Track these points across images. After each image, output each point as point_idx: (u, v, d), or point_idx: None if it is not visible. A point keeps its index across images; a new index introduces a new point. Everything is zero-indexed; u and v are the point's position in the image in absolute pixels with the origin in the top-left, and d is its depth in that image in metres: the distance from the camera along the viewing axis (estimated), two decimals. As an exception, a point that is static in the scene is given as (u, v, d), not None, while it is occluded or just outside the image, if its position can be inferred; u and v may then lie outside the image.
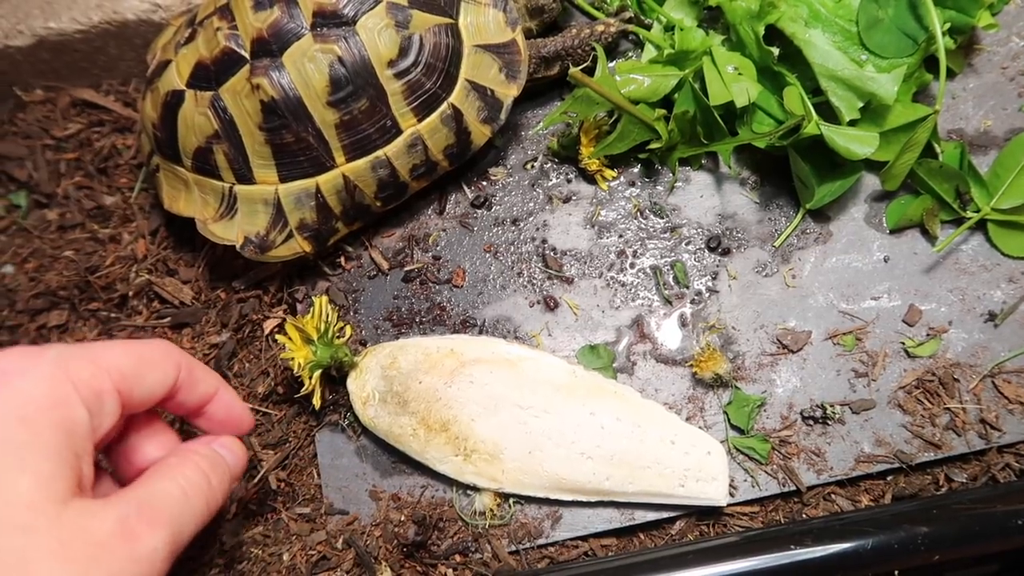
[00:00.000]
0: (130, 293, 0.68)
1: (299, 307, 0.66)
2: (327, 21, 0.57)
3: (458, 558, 0.59)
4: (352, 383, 0.61)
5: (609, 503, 0.59)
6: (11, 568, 0.36)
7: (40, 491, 0.38)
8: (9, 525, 0.37)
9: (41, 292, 0.69)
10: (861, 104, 0.61)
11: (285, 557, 0.60)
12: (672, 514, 0.59)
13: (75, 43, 0.72)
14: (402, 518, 0.60)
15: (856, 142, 0.60)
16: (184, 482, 0.45)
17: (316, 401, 0.59)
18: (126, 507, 0.41)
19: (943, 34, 0.60)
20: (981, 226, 0.64)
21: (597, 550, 0.59)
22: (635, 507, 0.59)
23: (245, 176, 0.60)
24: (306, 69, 0.56)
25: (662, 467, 0.58)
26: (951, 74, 0.68)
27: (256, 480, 0.61)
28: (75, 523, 0.38)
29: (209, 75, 0.58)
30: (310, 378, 0.58)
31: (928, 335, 0.62)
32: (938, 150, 0.64)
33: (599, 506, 0.59)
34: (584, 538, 0.60)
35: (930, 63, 0.64)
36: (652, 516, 0.59)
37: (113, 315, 0.68)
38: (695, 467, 0.58)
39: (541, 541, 0.59)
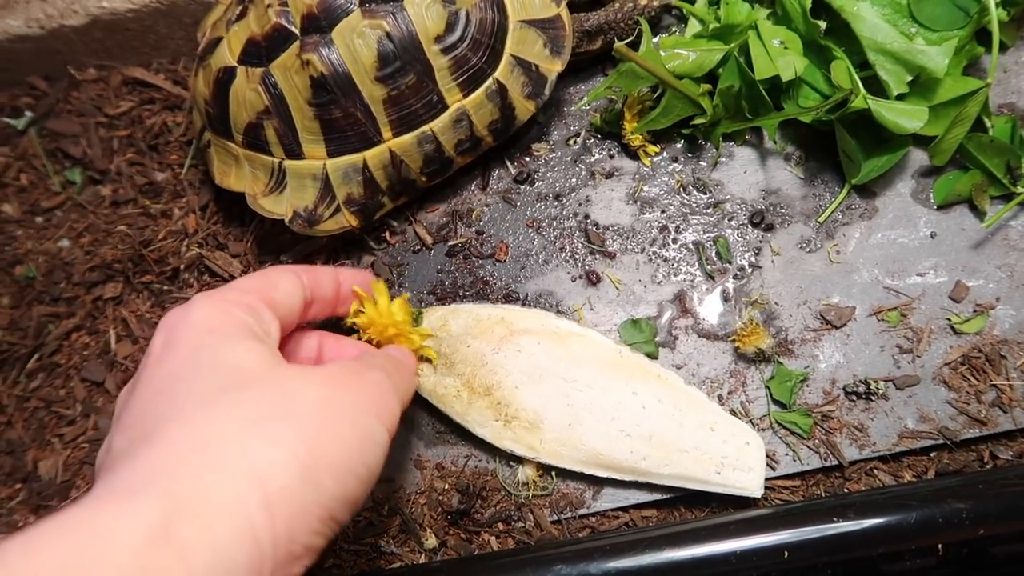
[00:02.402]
0: (181, 266, 0.70)
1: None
2: (375, -3, 0.57)
3: (501, 526, 0.61)
4: (401, 343, 0.62)
5: (644, 484, 0.60)
6: (270, 410, 0.35)
7: (257, 358, 0.38)
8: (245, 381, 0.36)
9: (96, 265, 0.71)
10: (910, 78, 0.60)
11: (333, 523, 0.61)
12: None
13: (127, 22, 0.74)
14: (446, 487, 0.62)
15: (904, 116, 0.59)
16: (383, 362, 0.46)
17: None
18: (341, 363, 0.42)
19: (996, 5, 0.59)
20: (1032, 202, 0.63)
21: (638, 521, 0.60)
22: (671, 489, 0.60)
23: (294, 151, 0.62)
24: (355, 45, 0.57)
25: (700, 452, 0.58)
26: (1003, 47, 0.67)
27: (305, 448, 0.63)
28: (295, 376, 0.38)
29: (260, 51, 0.59)
30: None
31: (975, 311, 0.62)
32: (988, 124, 0.63)
33: (633, 487, 0.60)
34: (625, 509, 0.61)
35: (982, 35, 0.62)
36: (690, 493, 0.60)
37: (166, 288, 0.70)
38: (733, 455, 0.58)
39: (583, 511, 0.60)
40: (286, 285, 0.46)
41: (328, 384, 0.39)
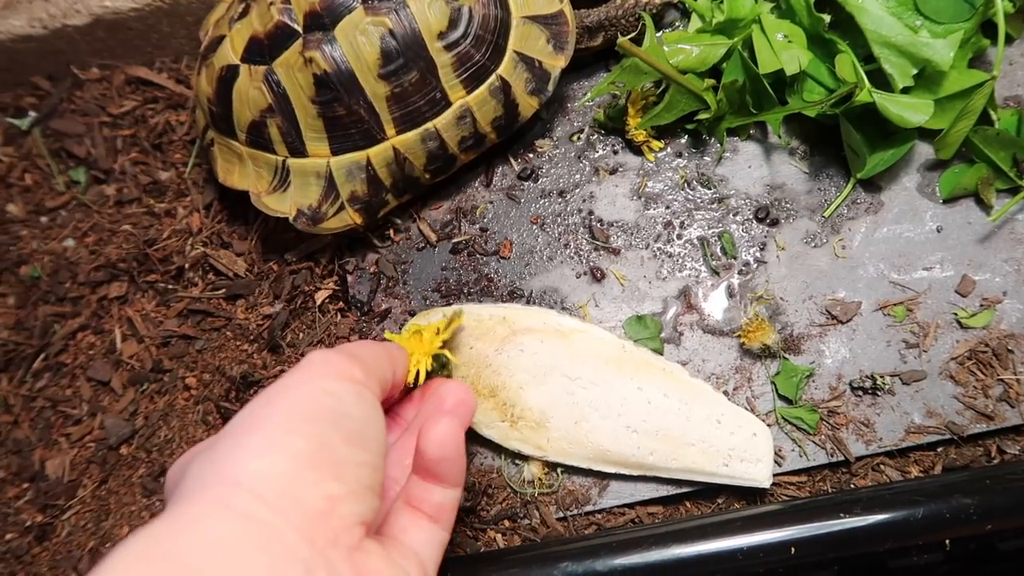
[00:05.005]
0: (186, 265, 0.70)
1: (349, 278, 0.67)
2: (378, -6, 0.57)
3: (507, 523, 0.61)
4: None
5: (652, 478, 0.60)
6: None
7: None
8: None
9: (101, 265, 0.71)
10: (915, 71, 0.60)
11: (339, 520, 0.61)
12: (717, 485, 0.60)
13: (129, 21, 0.73)
14: (452, 484, 0.61)
15: (910, 110, 0.59)
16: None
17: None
18: None
19: (1002, -3, 0.59)
20: (1038, 195, 0.63)
21: (644, 517, 0.60)
22: (679, 484, 0.60)
23: (298, 149, 0.61)
24: (358, 42, 0.57)
25: (707, 445, 0.58)
26: (1009, 39, 0.66)
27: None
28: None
29: (263, 49, 0.59)
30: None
31: (981, 306, 0.62)
32: (994, 117, 0.63)
33: (641, 480, 0.60)
34: (631, 505, 0.61)
35: (987, 28, 0.62)
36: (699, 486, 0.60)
37: (170, 287, 0.70)
38: (740, 447, 0.58)
39: (588, 508, 0.60)
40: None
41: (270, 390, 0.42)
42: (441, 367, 0.56)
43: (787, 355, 0.62)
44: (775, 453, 0.60)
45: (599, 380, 0.59)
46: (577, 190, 0.68)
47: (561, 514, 0.60)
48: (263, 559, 0.34)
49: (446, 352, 0.56)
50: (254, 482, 0.36)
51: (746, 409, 0.61)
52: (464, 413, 0.49)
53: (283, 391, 0.41)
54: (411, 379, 0.52)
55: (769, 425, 0.60)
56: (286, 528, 0.35)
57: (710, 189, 0.67)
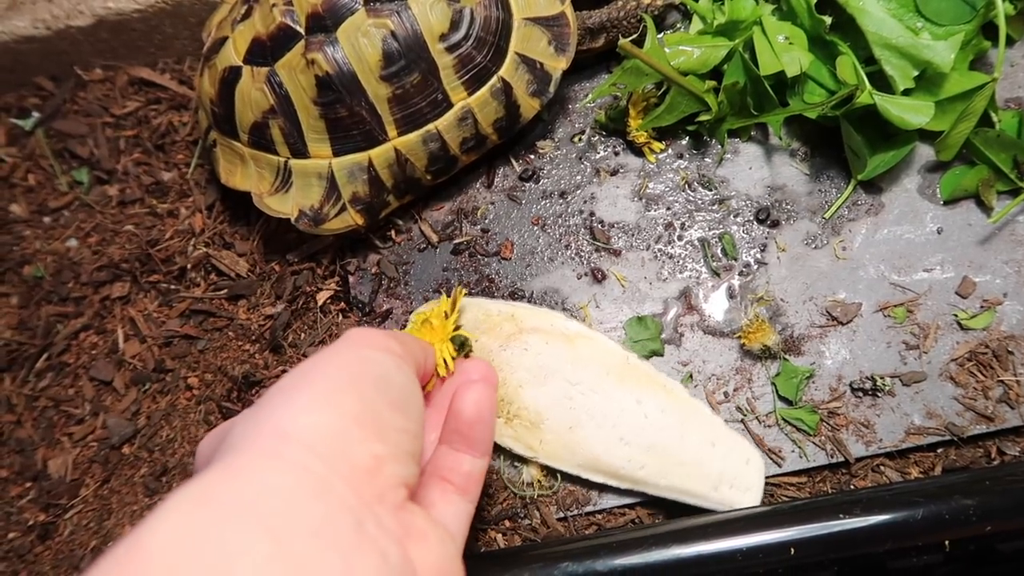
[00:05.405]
0: (188, 266, 0.70)
1: (351, 279, 0.67)
2: (379, -4, 0.57)
3: (507, 523, 0.61)
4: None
5: (639, 493, 0.59)
6: None
7: None
8: None
9: (104, 265, 0.71)
10: (916, 73, 0.60)
11: (340, 520, 0.62)
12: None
13: (132, 22, 0.74)
14: (453, 484, 0.62)
15: (910, 112, 0.59)
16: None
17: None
18: None
19: (1003, -1, 0.59)
20: (1039, 197, 0.63)
21: (644, 518, 0.60)
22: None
23: (300, 150, 0.62)
24: (360, 44, 0.57)
25: (698, 467, 0.57)
26: (1010, 41, 0.66)
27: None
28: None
29: (265, 51, 0.59)
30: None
31: (982, 307, 0.62)
32: (995, 119, 0.63)
33: (628, 494, 0.60)
34: (631, 506, 0.61)
35: (988, 30, 0.62)
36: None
37: (173, 287, 0.70)
38: (731, 473, 0.58)
39: (589, 508, 0.60)
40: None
41: (311, 358, 0.43)
42: (460, 347, 0.57)
43: (787, 356, 0.62)
44: (775, 454, 0.60)
45: (599, 388, 0.59)
46: (578, 191, 0.68)
47: (561, 514, 0.60)
48: (318, 508, 0.34)
49: (462, 332, 0.57)
50: (304, 435, 0.37)
51: (746, 410, 0.61)
52: (493, 383, 0.50)
53: (326, 358, 0.41)
54: (442, 371, 0.53)
55: (769, 426, 0.60)
56: (336, 480, 0.36)
57: (711, 190, 0.67)
